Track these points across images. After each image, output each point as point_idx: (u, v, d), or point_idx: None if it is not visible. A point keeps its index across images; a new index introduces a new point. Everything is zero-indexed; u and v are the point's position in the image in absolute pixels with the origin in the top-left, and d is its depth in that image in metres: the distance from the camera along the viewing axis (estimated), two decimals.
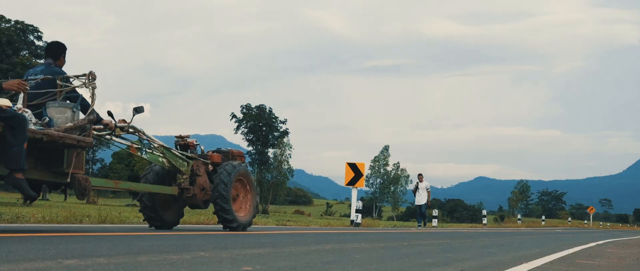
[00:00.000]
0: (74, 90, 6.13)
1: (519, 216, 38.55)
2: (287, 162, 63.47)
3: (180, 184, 7.59)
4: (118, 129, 6.89)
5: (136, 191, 6.74)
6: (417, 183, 19.93)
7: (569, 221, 52.48)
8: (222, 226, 7.81)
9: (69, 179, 5.77)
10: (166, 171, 7.83)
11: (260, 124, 60.67)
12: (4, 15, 39.52)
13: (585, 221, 58.37)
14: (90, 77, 6.07)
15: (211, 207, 7.95)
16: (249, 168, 8.13)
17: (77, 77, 6.12)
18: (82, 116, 5.95)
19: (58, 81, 6.08)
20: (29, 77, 6.16)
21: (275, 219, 18.78)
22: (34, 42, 40.24)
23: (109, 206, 31.14)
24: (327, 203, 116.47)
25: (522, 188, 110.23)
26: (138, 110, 7.12)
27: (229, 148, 8.60)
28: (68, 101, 5.92)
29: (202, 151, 8.15)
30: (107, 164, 63.25)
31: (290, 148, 63.35)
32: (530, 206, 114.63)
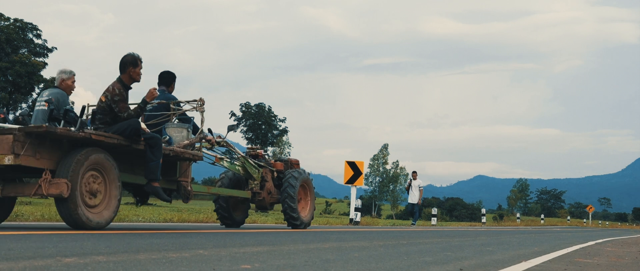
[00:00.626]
0: (185, 112, 7.45)
1: (518, 215, 38.60)
2: None
3: (252, 189, 8.87)
4: (216, 143, 8.28)
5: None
6: (410, 180, 19.59)
7: (568, 220, 52.53)
8: (287, 224, 9.31)
9: (176, 186, 7.13)
10: (237, 176, 9.05)
11: (260, 122, 60.70)
12: (3, 13, 39.51)
13: (584, 220, 58.45)
14: (200, 103, 7.33)
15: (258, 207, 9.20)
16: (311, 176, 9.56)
17: (189, 102, 7.44)
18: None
19: (171, 105, 7.38)
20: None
21: (275, 218, 18.78)
22: (33, 41, 40.22)
23: None
24: (326, 202, 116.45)
25: (521, 187, 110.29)
26: (232, 128, 8.67)
27: (288, 157, 10.24)
28: (175, 121, 7.31)
29: (267, 160, 9.37)
30: None
31: (290, 146, 63.30)
32: (529, 204, 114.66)
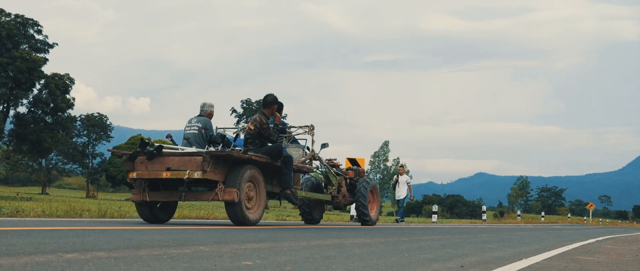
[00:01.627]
0: (282, 127, 9.24)
1: (518, 212, 38.61)
2: None
3: (331, 193, 10.85)
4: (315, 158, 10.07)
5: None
6: (397, 176, 18.65)
7: (569, 218, 52.55)
8: (360, 221, 11.47)
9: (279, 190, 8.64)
10: (317, 182, 10.98)
11: None
12: (3, 8, 39.43)
13: (585, 218, 58.45)
14: (310, 127, 9.76)
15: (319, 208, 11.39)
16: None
17: (301, 127, 9.90)
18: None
19: (287, 129, 9.71)
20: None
21: (275, 214, 18.79)
22: (33, 36, 40.18)
23: (108, 201, 31.18)
24: None
25: (522, 184, 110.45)
26: (324, 145, 10.04)
27: (357, 167, 12.28)
28: (281, 140, 9.17)
29: (342, 170, 11.33)
30: (107, 159, 63.24)
31: None
32: (529, 202, 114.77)
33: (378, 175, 73.36)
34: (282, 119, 9.20)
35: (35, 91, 41.29)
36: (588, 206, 51.47)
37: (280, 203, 9.99)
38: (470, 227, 15.53)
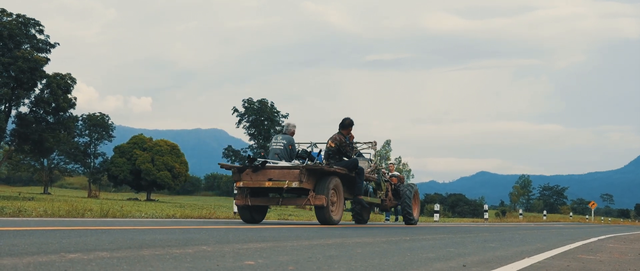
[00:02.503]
0: (348, 144, 10.43)
1: (520, 211, 38.55)
2: None
3: (380, 197, 12.31)
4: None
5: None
6: (388, 173, 18.05)
7: (571, 216, 52.49)
8: (404, 221, 13.07)
9: (352, 197, 10.57)
10: (367, 187, 12.09)
11: (262, 118, 60.66)
12: (5, 9, 39.45)
13: (587, 216, 58.35)
14: (373, 143, 11.69)
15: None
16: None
17: (365, 143, 11.70)
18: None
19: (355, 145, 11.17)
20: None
21: (277, 214, 18.78)
22: (35, 36, 40.19)
23: (110, 200, 31.19)
24: None
25: (524, 183, 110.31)
26: (384, 157, 13.00)
27: (399, 174, 13.85)
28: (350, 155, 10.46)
29: (387, 177, 12.95)
30: (109, 158, 63.27)
31: None
32: (531, 201, 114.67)
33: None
34: (347, 137, 10.56)
35: (37, 91, 41.31)
36: (590, 204, 51.40)
37: (352, 206, 12.31)
38: (472, 226, 15.52)
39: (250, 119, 60.68)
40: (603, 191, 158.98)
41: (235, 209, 11.82)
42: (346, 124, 10.35)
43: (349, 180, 10.21)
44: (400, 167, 73.20)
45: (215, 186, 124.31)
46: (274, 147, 9.86)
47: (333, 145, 10.13)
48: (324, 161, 10.13)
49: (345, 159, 10.18)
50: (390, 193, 12.63)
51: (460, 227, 13.67)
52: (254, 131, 60.85)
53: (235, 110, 60.82)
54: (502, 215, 62.37)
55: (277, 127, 61.17)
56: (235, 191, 9.85)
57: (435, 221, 21.40)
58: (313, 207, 9.74)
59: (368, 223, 13.38)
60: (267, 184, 9.12)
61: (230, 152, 62.89)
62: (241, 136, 63.18)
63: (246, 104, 60.91)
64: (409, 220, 12.82)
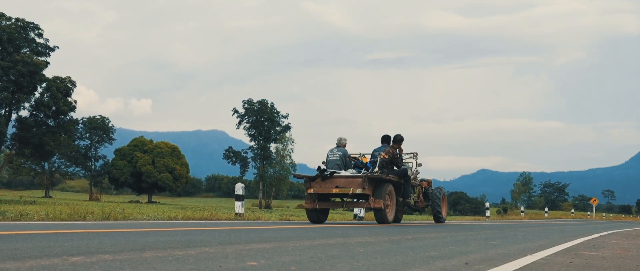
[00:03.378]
0: (394, 156, 11.91)
1: (521, 208, 38.55)
2: (290, 157, 63.43)
3: (413, 199, 13.34)
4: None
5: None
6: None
7: (572, 213, 52.50)
8: (434, 220, 14.68)
9: (418, 201, 13.33)
10: None
11: (262, 119, 60.64)
12: (4, 13, 39.42)
13: (588, 213, 58.34)
14: (415, 154, 13.71)
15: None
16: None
17: (408, 153, 13.54)
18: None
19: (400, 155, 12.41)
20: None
21: (279, 214, 18.79)
22: (34, 40, 40.16)
23: (112, 203, 31.18)
24: None
25: (525, 180, 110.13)
26: (419, 165, 13.61)
27: (427, 179, 14.33)
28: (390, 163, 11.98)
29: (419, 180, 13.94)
30: (110, 161, 63.27)
31: (293, 142, 63.29)
32: (533, 198, 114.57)
33: None
34: (391, 148, 12.17)
35: (37, 95, 41.30)
36: (591, 201, 51.39)
37: (403, 208, 13.27)
38: (474, 224, 15.52)
39: (251, 120, 60.66)
40: (604, 188, 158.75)
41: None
42: (398, 140, 12.24)
43: (398, 186, 11.95)
44: None
45: (216, 187, 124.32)
46: (332, 158, 11.46)
47: (386, 156, 11.77)
48: (374, 169, 11.59)
49: (396, 168, 11.85)
50: (421, 195, 13.85)
51: (462, 225, 13.67)
52: (255, 132, 60.84)
53: (236, 111, 60.80)
54: (504, 213, 62.38)
55: (278, 128, 61.21)
56: (305, 196, 11.58)
57: (359, 219, 21.40)
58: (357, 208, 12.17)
59: (364, 222, 13.48)
60: (335, 190, 10.90)
61: (231, 153, 62.87)
62: (242, 137, 63.21)
63: (246, 105, 60.88)
64: (439, 219, 14.35)
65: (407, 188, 12.06)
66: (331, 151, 11.64)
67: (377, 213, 11.13)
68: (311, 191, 11.04)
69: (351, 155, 12.15)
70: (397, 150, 12.07)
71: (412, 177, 12.88)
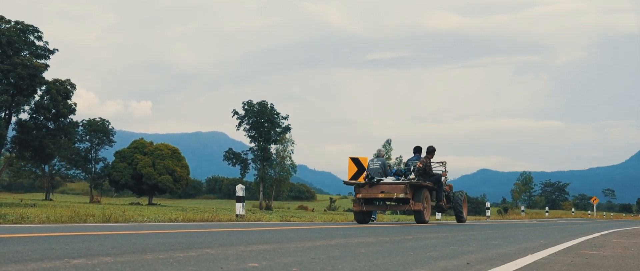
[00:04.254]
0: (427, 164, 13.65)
1: (522, 208, 38.55)
2: (290, 158, 63.46)
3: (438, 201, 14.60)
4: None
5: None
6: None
7: (573, 212, 52.48)
8: (456, 220, 16.05)
9: (443, 203, 14.31)
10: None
11: (262, 120, 60.67)
12: (3, 16, 39.43)
13: (589, 212, 58.34)
14: (444, 163, 15.01)
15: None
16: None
17: (438, 162, 14.83)
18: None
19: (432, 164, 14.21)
20: (409, 161, 14.17)
21: (279, 215, 18.79)
22: (34, 43, 40.18)
23: (112, 205, 31.19)
24: (330, 198, 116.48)
25: (525, 180, 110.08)
26: (446, 171, 14.93)
27: (449, 184, 15.50)
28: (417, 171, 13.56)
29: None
30: (110, 164, 63.26)
31: (293, 143, 63.33)
32: (533, 197, 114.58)
33: None
34: (422, 158, 13.93)
35: (37, 97, 41.31)
36: (592, 200, 51.39)
37: (436, 211, 15.28)
38: (475, 224, 15.52)
39: (251, 121, 60.68)
40: (605, 187, 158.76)
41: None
42: (431, 150, 14.02)
43: (432, 190, 13.81)
44: (401, 167, 73.30)
45: (216, 189, 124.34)
46: (373, 167, 12.98)
47: (421, 166, 13.42)
48: (411, 176, 13.21)
49: (430, 175, 13.62)
50: (444, 198, 14.87)
51: (462, 225, 13.67)
52: (255, 133, 60.87)
53: (235, 113, 60.82)
54: (504, 212, 62.36)
55: (277, 129, 61.29)
56: (353, 200, 13.30)
57: (438, 219, 21.40)
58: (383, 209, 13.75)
59: (374, 222, 13.61)
60: (380, 195, 12.62)
61: (231, 155, 62.89)
62: (242, 138, 63.23)
63: (246, 107, 60.91)
64: (460, 218, 15.78)
65: (440, 193, 14.04)
66: (372, 161, 13.14)
67: (417, 214, 12.85)
68: (360, 195, 12.75)
69: (390, 163, 14.37)
70: (430, 160, 13.83)
71: (445, 182, 14.89)
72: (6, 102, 38.42)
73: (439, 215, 22.60)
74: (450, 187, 15.48)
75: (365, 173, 13.27)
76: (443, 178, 14.66)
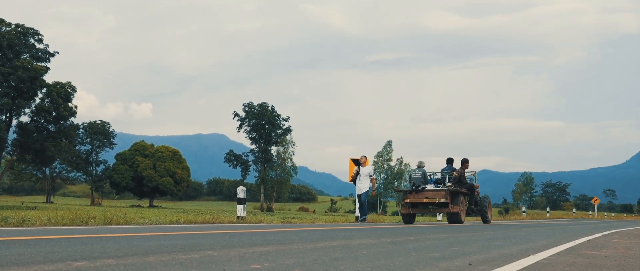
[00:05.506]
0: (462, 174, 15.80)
1: (523, 208, 38.52)
2: (291, 159, 63.46)
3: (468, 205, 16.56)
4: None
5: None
6: (359, 167, 15.54)
7: (574, 212, 52.44)
8: (482, 221, 17.34)
9: (473, 206, 16.50)
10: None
11: (263, 122, 60.69)
12: (4, 18, 39.46)
13: (590, 212, 58.29)
14: (475, 172, 16.95)
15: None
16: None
17: (470, 171, 16.41)
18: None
19: (454, 174, 15.80)
20: (443, 170, 16.36)
21: (281, 217, 18.78)
22: (34, 46, 40.21)
23: (113, 208, 31.19)
24: (332, 200, 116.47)
25: (526, 180, 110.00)
26: (475, 173, 17.06)
27: (475, 184, 16.76)
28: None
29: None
30: (111, 166, 63.26)
31: (294, 145, 63.33)
32: (534, 198, 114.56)
33: (381, 175, 73.22)
34: (453, 167, 16.42)
35: (38, 100, 41.33)
36: (593, 200, 51.36)
37: (468, 213, 16.81)
38: (476, 225, 15.52)
39: (251, 123, 60.71)
40: (605, 187, 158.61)
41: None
42: (464, 162, 16.01)
43: (466, 196, 15.86)
44: (402, 167, 73.28)
45: (217, 191, 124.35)
46: (416, 177, 15.22)
47: (457, 175, 15.53)
48: (448, 184, 15.48)
49: (464, 183, 15.64)
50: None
51: (463, 226, 13.66)
52: (255, 135, 60.89)
53: (236, 114, 60.85)
54: (505, 213, 62.33)
55: (278, 131, 61.32)
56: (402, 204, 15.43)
57: (439, 220, 21.40)
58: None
59: (364, 223, 13.61)
60: (425, 200, 14.82)
61: (232, 156, 62.89)
62: (242, 140, 63.26)
63: (247, 109, 60.93)
64: (485, 220, 17.12)
65: (473, 198, 16.32)
66: (414, 171, 15.64)
67: (454, 215, 14.85)
68: (407, 200, 14.99)
69: (431, 172, 16.69)
70: (464, 170, 15.86)
71: (475, 188, 16.96)
72: (7, 105, 38.45)
73: (439, 216, 22.61)
74: (478, 192, 17.29)
75: (410, 182, 15.45)
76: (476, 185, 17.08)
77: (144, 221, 10.39)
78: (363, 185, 15.38)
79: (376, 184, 72.33)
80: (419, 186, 14.91)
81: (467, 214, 16.67)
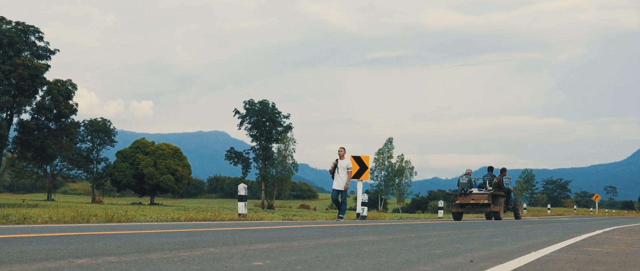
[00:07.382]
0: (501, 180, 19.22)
1: (524, 206, 38.51)
2: (292, 157, 63.47)
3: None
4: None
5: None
6: (336, 160, 14.28)
7: (575, 209, 52.40)
8: (514, 217, 19.85)
9: (511, 206, 19.60)
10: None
11: (264, 119, 60.70)
12: (4, 16, 39.45)
13: (591, 209, 58.29)
14: (510, 178, 19.62)
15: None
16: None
17: (506, 177, 19.29)
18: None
19: (495, 180, 19.23)
20: (485, 176, 19.46)
21: (282, 214, 18.79)
22: (35, 43, 40.20)
23: (114, 205, 31.21)
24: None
25: (527, 177, 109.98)
26: (510, 179, 19.44)
27: (511, 188, 19.35)
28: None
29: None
30: (112, 164, 63.30)
31: (294, 142, 63.33)
32: (535, 195, 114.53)
33: (383, 172, 73.25)
34: (494, 175, 19.43)
35: (38, 98, 41.33)
36: (594, 197, 51.33)
37: (506, 211, 19.52)
38: (477, 222, 15.52)
39: (252, 120, 60.72)
40: (606, 184, 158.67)
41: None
42: (503, 170, 19.27)
43: (503, 197, 18.75)
44: (403, 165, 73.32)
45: (218, 188, 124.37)
46: (463, 182, 18.50)
47: (497, 180, 18.70)
48: (489, 188, 18.63)
49: (502, 188, 18.69)
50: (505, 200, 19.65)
51: (465, 223, 13.67)
52: (256, 132, 60.91)
53: (237, 112, 60.87)
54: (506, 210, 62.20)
55: (279, 128, 61.35)
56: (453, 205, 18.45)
57: (440, 217, 21.42)
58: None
59: (364, 221, 13.60)
60: (471, 201, 17.94)
61: (233, 154, 62.94)
62: (243, 137, 63.26)
63: (247, 106, 60.95)
64: (518, 216, 19.68)
65: (510, 200, 19.33)
66: (462, 176, 18.71)
67: (495, 214, 18.06)
68: (457, 201, 18.08)
69: (475, 178, 19.48)
70: (503, 177, 18.94)
71: (510, 191, 19.81)
72: (7, 102, 38.46)
73: (440, 213, 22.63)
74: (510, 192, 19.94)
75: (459, 186, 18.65)
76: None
77: (145, 219, 10.40)
78: (341, 180, 14.10)
79: (371, 181, 72.35)
80: (467, 190, 18.26)
81: (508, 211, 19.77)
